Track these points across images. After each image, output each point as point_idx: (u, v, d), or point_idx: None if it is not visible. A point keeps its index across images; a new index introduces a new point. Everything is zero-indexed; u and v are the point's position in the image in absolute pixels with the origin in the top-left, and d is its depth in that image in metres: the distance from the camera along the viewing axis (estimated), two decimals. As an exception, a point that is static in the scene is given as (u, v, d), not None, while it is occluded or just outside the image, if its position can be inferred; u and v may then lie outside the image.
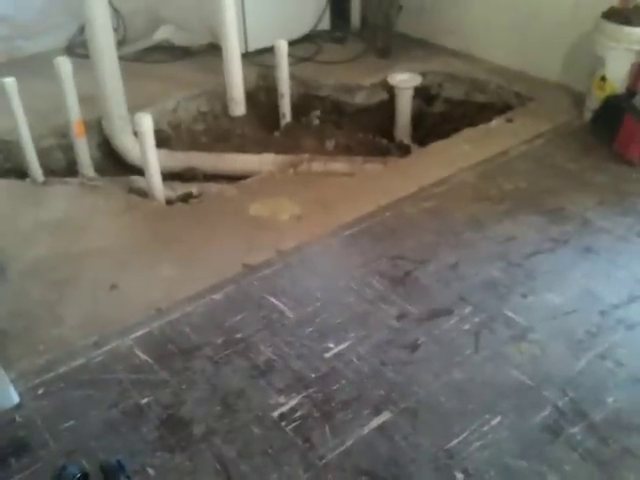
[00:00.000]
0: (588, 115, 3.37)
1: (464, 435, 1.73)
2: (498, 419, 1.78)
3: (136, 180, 3.15)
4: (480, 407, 1.82)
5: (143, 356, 2.00)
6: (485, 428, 1.75)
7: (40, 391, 1.89)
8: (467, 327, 2.10)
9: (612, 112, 3.15)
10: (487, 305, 2.19)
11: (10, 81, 2.96)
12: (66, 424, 1.78)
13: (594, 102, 3.31)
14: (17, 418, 1.81)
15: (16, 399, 1.84)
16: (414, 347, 2.03)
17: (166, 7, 4.41)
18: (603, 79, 3.22)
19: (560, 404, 1.82)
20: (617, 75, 3.17)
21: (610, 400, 1.84)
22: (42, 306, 2.22)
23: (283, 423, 1.78)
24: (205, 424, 1.78)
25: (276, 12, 4.23)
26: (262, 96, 4.11)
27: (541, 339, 2.05)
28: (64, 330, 2.11)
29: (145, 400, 1.85)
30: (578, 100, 3.50)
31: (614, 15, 3.15)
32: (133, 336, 2.08)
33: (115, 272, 2.37)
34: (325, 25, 4.59)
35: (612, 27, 3.12)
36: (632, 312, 2.15)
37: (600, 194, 2.79)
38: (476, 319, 2.13)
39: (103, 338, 2.07)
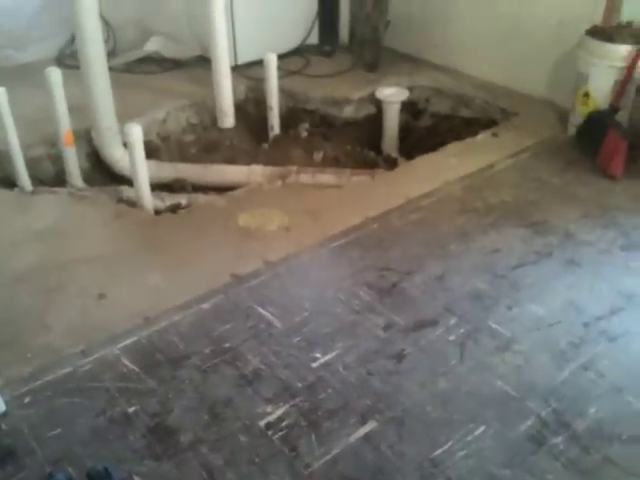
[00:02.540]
0: (572, 130, 3.43)
1: (449, 444, 1.75)
2: (482, 429, 1.80)
3: (125, 190, 3.16)
4: (465, 417, 1.84)
5: (130, 365, 2.01)
6: (469, 437, 1.78)
7: (27, 399, 1.88)
8: (452, 338, 2.12)
9: (595, 127, 3.20)
10: (472, 316, 2.22)
11: (0, 90, 2.96)
12: (53, 432, 1.79)
13: (578, 117, 3.36)
14: (3, 426, 1.80)
15: (2, 407, 1.84)
16: (400, 357, 2.05)
17: (156, 19, 4.43)
18: (586, 95, 3.28)
19: (543, 414, 1.85)
20: (600, 91, 3.23)
21: (592, 410, 1.86)
22: (30, 314, 2.22)
23: (270, 432, 1.79)
24: (192, 433, 1.78)
25: (265, 26, 4.27)
26: (251, 108, 4.15)
27: (525, 350, 2.08)
28: (52, 338, 2.11)
29: (132, 408, 1.86)
30: (562, 115, 3.56)
31: (597, 32, 3.22)
32: (121, 345, 2.08)
33: (103, 281, 2.38)
34: (314, 39, 4.64)
35: (595, 44, 3.18)
36: (614, 324, 2.18)
37: (583, 207, 2.84)
38: (461, 330, 2.16)
39: (91, 346, 2.07)
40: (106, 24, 4.31)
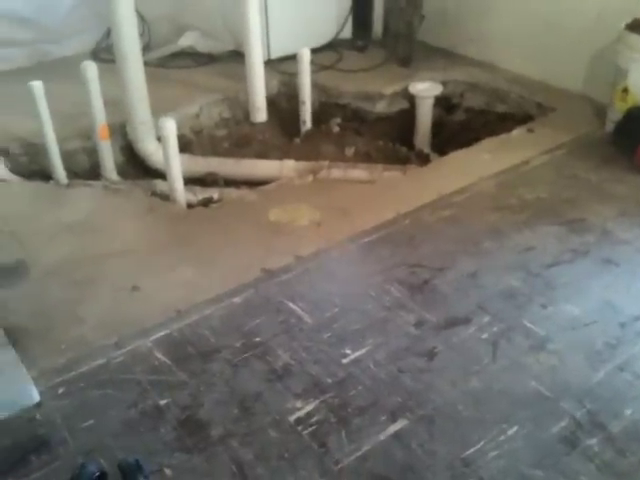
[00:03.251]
0: (610, 126, 3.36)
1: (480, 444, 1.73)
2: (515, 429, 1.78)
3: (158, 184, 3.18)
4: (497, 416, 1.81)
5: (162, 357, 2.02)
6: (502, 437, 1.75)
7: (60, 390, 1.91)
8: (485, 336, 2.10)
9: (634, 124, 3.13)
10: (505, 315, 2.19)
11: (37, 84, 3.01)
12: (85, 423, 1.81)
13: (616, 113, 3.29)
14: (37, 416, 1.83)
15: (37, 397, 1.86)
16: (431, 355, 2.03)
17: (190, 14, 4.46)
18: (625, 91, 3.21)
19: (578, 415, 1.81)
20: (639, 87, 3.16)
21: (628, 412, 1.82)
22: (64, 306, 2.25)
23: (299, 427, 1.78)
24: (222, 426, 1.79)
25: (299, 20, 4.26)
26: (283, 103, 4.14)
27: (560, 350, 2.04)
28: (85, 330, 2.13)
29: (164, 401, 1.87)
30: (600, 111, 3.49)
31: (637, 27, 3.14)
32: (153, 337, 2.10)
33: (136, 274, 2.40)
34: (347, 34, 4.61)
35: (636, 38, 3.11)
36: (652, 325, 2.14)
37: (621, 205, 2.78)
38: (494, 328, 2.13)
39: (123, 339, 2.09)
40: (141, 19, 4.34)
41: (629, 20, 3.19)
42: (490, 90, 3.98)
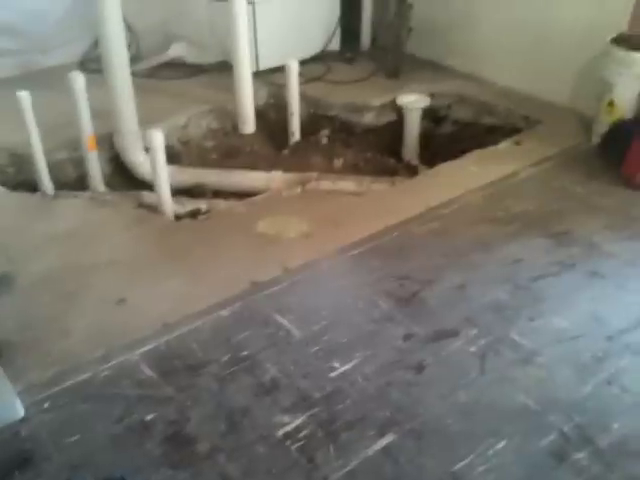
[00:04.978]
0: (596, 139, 3.38)
1: (469, 458, 1.73)
2: (503, 443, 1.78)
3: (145, 195, 3.17)
4: (485, 430, 1.81)
5: (149, 371, 2.01)
6: (490, 452, 1.75)
7: (46, 404, 1.89)
8: (473, 349, 2.10)
9: (620, 137, 3.16)
10: (493, 327, 2.19)
11: (24, 95, 2.99)
12: (71, 438, 1.79)
13: (602, 126, 3.32)
14: (22, 431, 1.81)
15: (22, 412, 1.85)
16: (420, 368, 2.03)
17: (179, 25, 4.45)
18: (611, 104, 3.24)
19: (566, 429, 1.81)
20: (625, 100, 3.19)
21: (616, 426, 1.83)
22: (50, 318, 2.23)
23: (288, 442, 1.77)
24: (209, 442, 1.78)
25: (287, 32, 4.27)
26: (272, 114, 4.14)
27: (547, 363, 2.05)
28: (71, 343, 2.11)
29: (150, 416, 1.85)
30: (586, 124, 3.52)
31: (623, 41, 3.18)
32: (140, 351, 2.08)
33: (123, 286, 2.38)
34: (335, 45, 4.63)
35: (621, 53, 3.14)
36: (639, 337, 2.14)
37: (607, 218, 2.80)
38: (482, 341, 2.13)
39: (110, 352, 2.07)
40: (129, 29, 4.32)
41: (615, 34, 3.23)
42: (477, 103, 4.00)
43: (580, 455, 1.74)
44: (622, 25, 3.29)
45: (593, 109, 3.42)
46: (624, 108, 3.21)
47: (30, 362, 2.03)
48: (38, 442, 1.78)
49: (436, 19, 4.33)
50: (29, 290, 2.37)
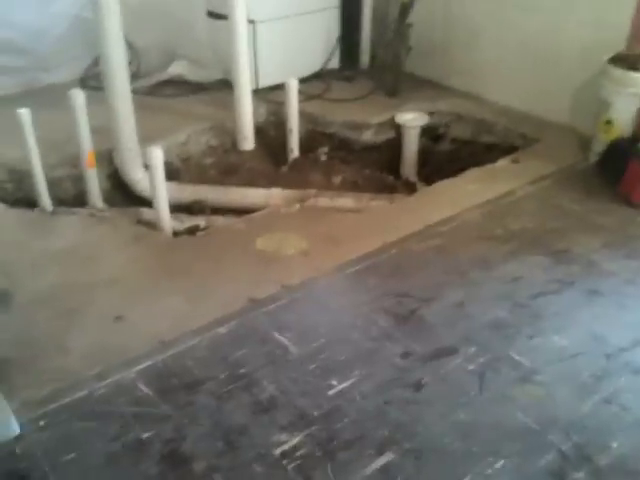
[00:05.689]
0: (594, 158, 3.40)
1: (468, 477, 1.72)
2: (502, 462, 1.76)
3: (144, 212, 3.17)
4: (484, 449, 1.80)
5: (146, 389, 1.99)
6: (489, 471, 1.74)
7: (42, 422, 1.87)
8: (472, 367, 2.09)
9: (617, 156, 3.17)
10: (492, 345, 2.18)
11: (24, 112, 3.01)
12: (67, 457, 1.77)
13: (600, 145, 3.34)
14: (17, 450, 1.79)
15: (17, 430, 1.83)
16: (418, 386, 2.01)
17: (180, 43, 4.49)
18: (609, 123, 3.26)
19: (564, 448, 1.80)
20: (623, 119, 3.21)
21: (615, 445, 1.82)
22: (48, 335, 2.22)
23: (285, 461, 1.76)
24: (206, 461, 1.76)
25: (287, 50, 4.30)
26: (271, 131, 4.16)
27: (546, 381, 2.04)
28: (68, 361, 2.10)
29: (147, 434, 1.84)
30: (584, 142, 3.53)
31: (621, 60, 3.20)
32: (137, 368, 2.07)
33: (121, 303, 2.38)
34: (334, 64, 4.66)
35: (618, 72, 3.16)
36: (638, 356, 2.14)
37: (606, 236, 2.80)
38: (481, 359, 2.12)
39: (107, 370, 2.06)
40: (130, 47, 4.35)
41: (612, 54, 3.25)
42: (476, 121, 4.02)
43: (579, 474, 1.73)
44: (619, 45, 3.32)
45: (591, 128, 3.43)
46: (622, 127, 3.22)
47: (26, 379, 2.02)
48: (33, 460, 1.76)
49: (435, 38, 4.37)
50: (27, 307, 2.37)
